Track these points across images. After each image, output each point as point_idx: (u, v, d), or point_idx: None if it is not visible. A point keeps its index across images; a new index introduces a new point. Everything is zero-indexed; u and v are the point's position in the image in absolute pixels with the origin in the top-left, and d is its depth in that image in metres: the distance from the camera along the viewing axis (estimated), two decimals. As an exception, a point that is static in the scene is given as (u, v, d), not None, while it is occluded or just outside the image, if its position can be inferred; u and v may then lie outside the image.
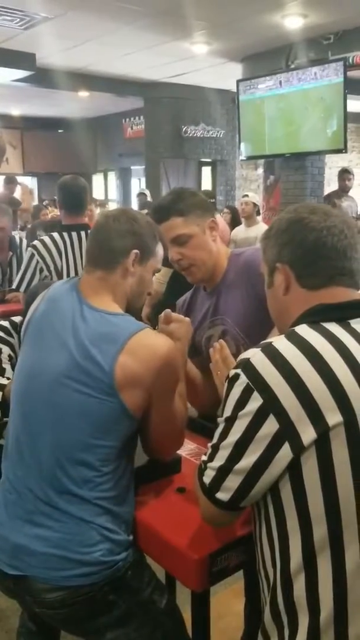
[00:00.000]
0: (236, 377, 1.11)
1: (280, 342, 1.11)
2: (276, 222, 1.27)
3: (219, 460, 1.13)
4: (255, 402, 1.07)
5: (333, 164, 9.90)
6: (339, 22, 6.50)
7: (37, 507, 1.39)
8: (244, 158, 8.63)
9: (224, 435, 1.13)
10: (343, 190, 7.01)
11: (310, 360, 1.07)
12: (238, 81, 7.88)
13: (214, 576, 1.33)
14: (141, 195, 9.56)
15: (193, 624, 1.43)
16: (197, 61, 8.15)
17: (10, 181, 8.85)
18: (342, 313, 1.15)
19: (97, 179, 13.91)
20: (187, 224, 1.78)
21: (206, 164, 11.42)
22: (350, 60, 6.63)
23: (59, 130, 13.39)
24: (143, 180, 11.49)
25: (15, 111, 12.45)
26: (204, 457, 1.18)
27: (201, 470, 1.18)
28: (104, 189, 14.01)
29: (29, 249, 3.30)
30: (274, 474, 1.07)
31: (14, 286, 3.49)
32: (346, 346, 1.09)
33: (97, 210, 7.86)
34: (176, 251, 1.80)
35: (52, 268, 3.20)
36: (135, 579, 1.44)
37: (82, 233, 3.29)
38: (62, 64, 8.19)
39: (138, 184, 12.77)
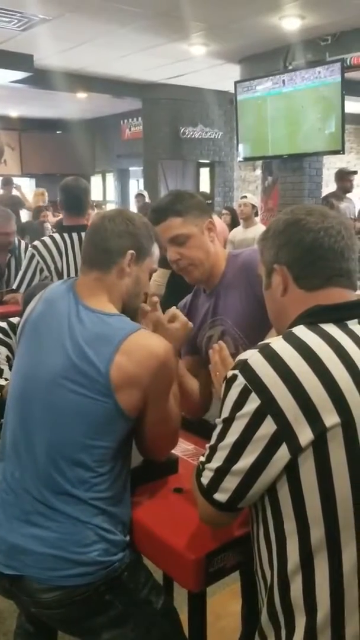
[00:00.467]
0: (234, 378, 1.12)
1: (277, 343, 1.12)
2: (273, 223, 1.28)
3: (217, 461, 1.13)
4: (253, 403, 1.07)
5: (331, 165, 9.91)
6: (336, 24, 6.51)
7: (33, 507, 1.39)
8: (242, 159, 8.65)
9: (221, 436, 1.13)
10: (345, 191, 7.00)
11: (307, 361, 1.07)
12: (236, 82, 7.89)
13: (211, 577, 1.33)
14: (140, 196, 9.56)
15: (190, 625, 1.42)
16: (195, 62, 8.16)
17: (7, 182, 8.86)
18: (339, 314, 1.15)
19: (96, 180, 13.90)
20: (186, 224, 1.79)
21: (204, 165, 11.43)
22: (348, 62, 6.65)
23: (57, 132, 13.40)
24: (141, 181, 11.50)
25: (13, 112, 12.46)
26: (202, 458, 1.18)
27: (199, 471, 1.18)
28: (102, 190, 14.02)
29: (30, 249, 3.31)
30: (271, 475, 1.07)
31: (14, 286, 3.50)
32: (343, 347, 1.09)
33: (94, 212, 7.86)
34: (175, 251, 1.80)
35: (52, 268, 3.21)
36: (132, 579, 1.44)
37: (83, 234, 3.29)
38: (60, 65, 8.19)
39: (136, 185, 12.78)
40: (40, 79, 8.25)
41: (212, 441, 1.16)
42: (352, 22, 6.46)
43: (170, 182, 10.88)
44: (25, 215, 8.96)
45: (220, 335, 1.88)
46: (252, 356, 1.11)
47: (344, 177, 7.01)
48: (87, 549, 1.36)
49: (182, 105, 10.09)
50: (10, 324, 2.61)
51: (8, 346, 2.56)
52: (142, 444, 1.53)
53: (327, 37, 6.84)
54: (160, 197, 2.59)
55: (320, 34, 6.82)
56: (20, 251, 4.14)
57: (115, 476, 1.42)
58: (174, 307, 1.70)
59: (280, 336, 1.15)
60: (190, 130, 10.32)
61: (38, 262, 3.21)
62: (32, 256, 3.23)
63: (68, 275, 3.21)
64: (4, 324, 2.62)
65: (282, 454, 1.05)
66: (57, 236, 3.29)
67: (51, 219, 8.21)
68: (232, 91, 8.02)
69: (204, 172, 11.60)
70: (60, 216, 7.25)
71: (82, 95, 9.57)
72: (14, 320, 2.62)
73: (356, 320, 1.15)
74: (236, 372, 1.12)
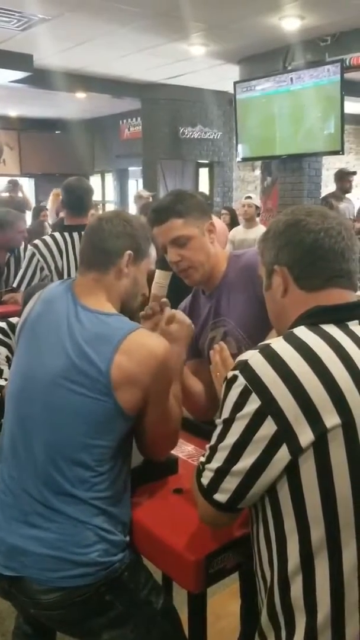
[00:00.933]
0: (234, 378, 1.11)
1: (278, 344, 1.12)
2: (273, 224, 1.28)
3: (217, 461, 1.13)
4: (253, 403, 1.07)
5: (330, 166, 9.90)
6: (336, 24, 6.51)
7: (32, 508, 1.39)
8: (241, 159, 8.64)
9: (221, 436, 1.13)
10: (345, 191, 7.00)
11: (308, 362, 1.07)
12: (235, 83, 7.88)
13: (211, 578, 1.32)
14: (140, 198, 9.52)
15: (190, 625, 1.42)
16: (195, 63, 8.16)
17: (15, 185, 8.85)
18: (339, 315, 1.15)
19: (95, 180, 13.88)
20: (187, 225, 1.78)
21: (203, 165, 11.41)
22: (347, 62, 6.65)
23: (57, 132, 13.39)
24: (140, 181, 11.48)
25: (13, 112, 12.45)
26: (202, 459, 1.18)
27: (199, 471, 1.18)
28: (102, 190, 14.01)
29: (30, 247, 3.31)
30: (271, 476, 1.07)
31: (14, 285, 3.50)
32: (344, 348, 1.10)
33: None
34: (175, 252, 1.80)
35: (52, 267, 3.21)
36: (132, 579, 1.44)
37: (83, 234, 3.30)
38: (60, 65, 8.18)
39: (135, 185, 12.77)
40: (39, 78, 8.24)
41: (212, 442, 1.16)
42: (351, 23, 6.46)
43: (169, 182, 10.87)
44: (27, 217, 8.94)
45: (222, 336, 1.87)
46: (253, 357, 1.11)
47: (343, 178, 7.00)
48: (87, 549, 1.36)
49: (181, 106, 10.09)
50: (10, 324, 2.61)
51: (7, 346, 2.56)
52: (142, 444, 1.53)
53: (327, 37, 6.84)
54: (160, 197, 2.58)
55: (320, 34, 6.82)
56: (19, 250, 4.14)
57: (115, 476, 1.42)
58: (171, 309, 1.70)
59: (281, 337, 1.15)
60: (189, 130, 10.31)
61: (38, 260, 3.21)
62: (33, 255, 3.23)
63: (68, 274, 3.21)
64: (3, 324, 2.61)
65: (283, 454, 1.05)
66: (57, 235, 3.29)
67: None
68: (232, 91, 8.01)
69: (203, 173, 11.59)
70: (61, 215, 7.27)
71: (81, 95, 9.56)
72: (14, 320, 2.62)
73: (357, 321, 1.15)
74: (236, 372, 1.12)
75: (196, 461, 1.21)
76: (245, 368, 1.10)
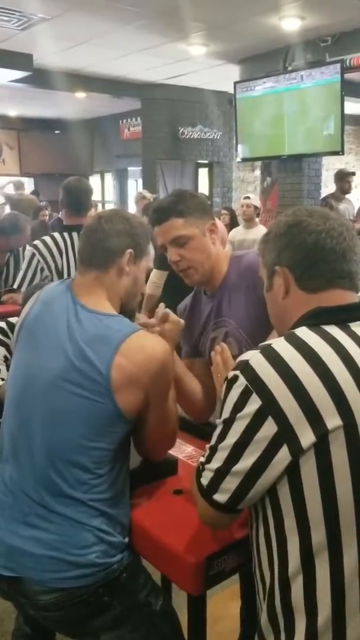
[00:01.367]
0: (235, 378, 1.11)
1: (279, 344, 1.11)
2: (274, 225, 1.27)
3: (217, 462, 1.12)
4: (254, 404, 1.07)
5: (330, 166, 9.90)
6: (336, 24, 6.52)
7: (32, 509, 1.38)
8: (241, 160, 8.64)
9: (222, 436, 1.13)
10: (345, 192, 6.99)
11: (309, 362, 1.07)
12: (235, 83, 7.89)
13: (211, 580, 1.32)
14: (143, 199, 9.48)
15: (189, 627, 1.42)
16: (195, 63, 8.16)
17: (20, 186, 8.83)
18: (341, 316, 1.15)
19: (94, 180, 13.88)
20: (187, 225, 1.78)
21: (203, 165, 11.42)
22: (348, 63, 6.66)
23: (56, 131, 13.38)
24: (140, 181, 11.48)
25: (12, 112, 12.44)
26: (202, 459, 1.18)
27: (199, 471, 1.17)
28: (101, 190, 14.01)
29: (30, 248, 3.30)
30: (272, 476, 1.06)
31: (14, 286, 3.49)
32: (345, 349, 1.09)
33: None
34: (175, 252, 1.80)
35: (52, 267, 3.20)
36: (131, 581, 1.43)
37: None
38: (59, 64, 8.19)
39: (135, 185, 12.77)
40: (39, 78, 8.24)
41: (212, 442, 1.15)
42: (351, 23, 6.46)
43: (168, 183, 10.87)
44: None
45: (224, 336, 1.87)
46: (254, 357, 1.11)
47: (343, 178, 7.00)
48: (85, 550, 1.36)
49: (181, 106, 10.09)
50: (9, 324, 2.60)
51: (6, 346, 2.56)
52: (141, 445, 1.53)
53: (327, 37, 6.84)
54: (161, 197, 2.58)
55: (320, 34, 6.82)
56: (19, 250, 4.14)
57: (114, 478, 1.42)
58: (165, 309, 1.70)
59: (282, 337, 1.14)
60: (189, 130, 10.31)
61: (38, 261, 3.20)
62: (33, 256, 3.22)
63: (68, 274, 3.21)
64: (2, 324, 2.61)
65: (283, 455, 1.04)
66: (57, 235, 3.29)
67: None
68: (232, 92, 8.01)
69: (203, 173, 11.59)
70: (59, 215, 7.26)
71: (81, 94, 9.56)
72: (13, 320, 2.62)
73: (358, 322, 1.15)
74: (237, 372, 1.11)
75: (196, 462, 1.21)
76: (246, 368, 1.10)
